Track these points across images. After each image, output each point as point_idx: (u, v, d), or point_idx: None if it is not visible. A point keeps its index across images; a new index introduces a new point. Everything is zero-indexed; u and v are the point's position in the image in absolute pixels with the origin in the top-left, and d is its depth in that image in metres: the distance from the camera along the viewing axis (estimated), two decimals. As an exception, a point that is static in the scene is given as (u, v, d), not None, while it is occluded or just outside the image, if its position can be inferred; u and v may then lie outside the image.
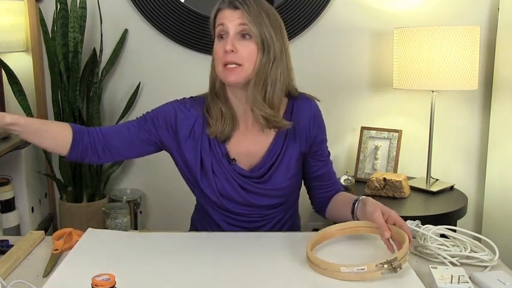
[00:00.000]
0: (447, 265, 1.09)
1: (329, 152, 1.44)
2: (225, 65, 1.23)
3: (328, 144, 1.43)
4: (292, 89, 1.35)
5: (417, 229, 1.20)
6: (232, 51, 1.22)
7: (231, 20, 1.23)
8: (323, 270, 1.05)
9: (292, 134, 1.34)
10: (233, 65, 1.23)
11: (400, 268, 1.02)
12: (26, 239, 1.21)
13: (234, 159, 1.33)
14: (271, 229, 1.39)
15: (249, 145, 1.34)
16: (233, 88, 1.30)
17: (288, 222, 1.43)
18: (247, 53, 1.23)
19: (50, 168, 2.28)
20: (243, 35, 1.24)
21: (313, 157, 1.39)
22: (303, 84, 1.40)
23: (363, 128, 2.32)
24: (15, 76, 2.06)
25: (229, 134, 1.32)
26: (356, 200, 1.28)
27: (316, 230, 1.30)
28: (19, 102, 2.10)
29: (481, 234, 1.37)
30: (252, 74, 1.24)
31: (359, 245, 1.20)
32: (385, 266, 1.00)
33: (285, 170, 1.34)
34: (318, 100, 1.39)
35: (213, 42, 1.31)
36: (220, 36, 1.26)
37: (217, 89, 1.32)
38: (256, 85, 1.25)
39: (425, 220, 1.33)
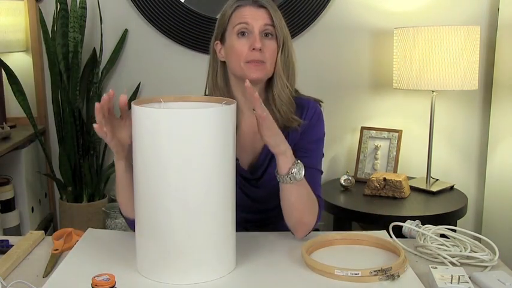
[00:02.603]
0: (447, 265, 1.08)
1: (315, 157, 1.32)
2: (248, 61, 1.24)
3: (310, 152, 1.31)
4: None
5: (417, 229, 1.20)
6: (260, 49, 1.22)
7: (256, 19, 1.23)
8: (320, 272, 1.05)
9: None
10: (257, 62, 1.24)
11: (398, 276, 1.02)
12: (26, 239, 1.21)
13: (237, 158, 1.32)
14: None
15: (251, 141, 1.33)
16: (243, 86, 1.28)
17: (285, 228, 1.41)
18: (270, 52, 1.25)
19: (50, 168, 2.28)
20: (266, 34, 1.25)
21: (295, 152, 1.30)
22: (302, 84, 1.40)
23: (363, 128, 2.32)
24: (15, 76, 2.06)
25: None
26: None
27: (316, 230, 1.30)
28: (19, 102, 2.10)
29: (481, 234, 1.37)
30: (272, 72, 1.26)
31: (358, 250, 1.20)
32: (380, 273, 1.01)
33: None
34: (322, 102, 1.37)
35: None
36: (242, 34, 1.25)
37: (220, 86, 1.31)
38: (282, 83, 1.27)
39: (425, 220, 1.33)
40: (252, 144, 1.34)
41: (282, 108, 1.28)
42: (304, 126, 1.31)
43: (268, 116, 1.08)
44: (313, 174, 1.28)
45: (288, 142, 1.19)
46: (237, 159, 1.28)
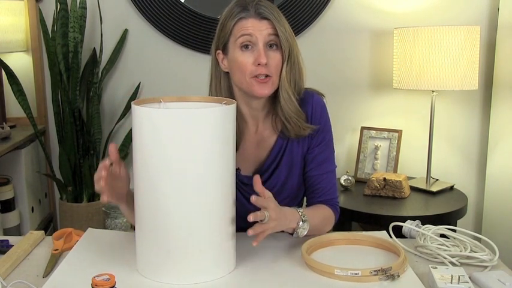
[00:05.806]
0: (447, 265, 1.09)
1: (329, 158, 1.34)
2: (255, 76, 1.21)
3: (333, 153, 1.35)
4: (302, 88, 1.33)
5: (417, 229, 1.20)
6: (266, 63, 1.20)
7: (260, 31, 1.20)
8: (319, 272, 1.05)
9: None
10: (263, 77, 1.21)
11: (398, 276, 1.02)
12: (26, 239, 1.21)
13: (238, 168, 1.29)
14: None
15: (254, 151, 1.32)
16: (251, 98, 1.26)
17: None
18: (275, 64, 1.22)
19: (50, 168, 2.28)
20: (270, 45, 1.22)
21: (309, 154, 1.32)
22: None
23: (363, 128, 2.32)
24: (15, 76, 2.06)
25: (238, 143, 1.29)
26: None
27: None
28: (19, 102, 2.10)
29: (481, 234, 1.37)
30: (278, 83, 1.24)
31: (358, 250, 1.20)
32: (380, 273, 1.01)
33: (288, 168, 1.31)
34: (323, 95, 1.36)
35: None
36: (245, 47, 1.21)
37: (224, 97, 1.27)
38: (287, 95, 1.24)
39: (425, 220, 1.33)
40: (255, 154, 1.33)
41: (292, 119, 1.26)
42: (314, 121, 1.31)
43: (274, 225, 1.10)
44: (328, 179, 1.32)
45: (300, 149, 1.28)
46: (238, 169, 1.27)
